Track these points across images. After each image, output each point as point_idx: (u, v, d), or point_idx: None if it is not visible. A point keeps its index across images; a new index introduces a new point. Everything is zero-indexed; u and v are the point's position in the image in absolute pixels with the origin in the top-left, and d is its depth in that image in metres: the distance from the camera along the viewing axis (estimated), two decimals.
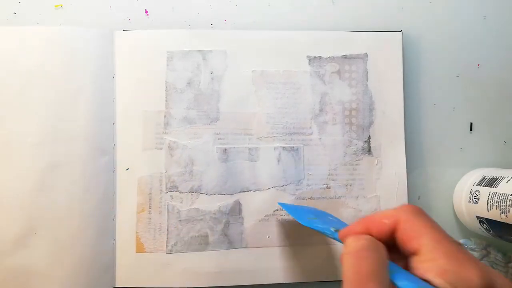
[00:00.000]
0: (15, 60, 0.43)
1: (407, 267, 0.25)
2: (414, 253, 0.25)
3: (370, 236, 0.26)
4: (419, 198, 0.47)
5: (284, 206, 0.44)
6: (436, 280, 0.23)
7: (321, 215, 0.40)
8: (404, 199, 0.46)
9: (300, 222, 0.38)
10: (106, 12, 0.46)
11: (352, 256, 0.25)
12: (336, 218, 0.40)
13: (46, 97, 0.43)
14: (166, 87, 0.45)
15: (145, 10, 0.47)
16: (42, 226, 0.42)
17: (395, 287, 0.24)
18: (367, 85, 0.46)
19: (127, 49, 0.45)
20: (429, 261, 0.24)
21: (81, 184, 0.43)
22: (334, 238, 0.32)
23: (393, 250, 0.26)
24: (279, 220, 0.45)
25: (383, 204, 0.46)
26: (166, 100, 0.44)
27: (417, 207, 0.27)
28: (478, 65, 0.49)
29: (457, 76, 0.49)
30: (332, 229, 0.32)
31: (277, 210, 0.45)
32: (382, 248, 0.25)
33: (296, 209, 0.43)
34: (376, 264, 0.24)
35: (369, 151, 0.46)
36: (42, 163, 0.42)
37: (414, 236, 0.25)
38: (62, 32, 0.44)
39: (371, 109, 0.46)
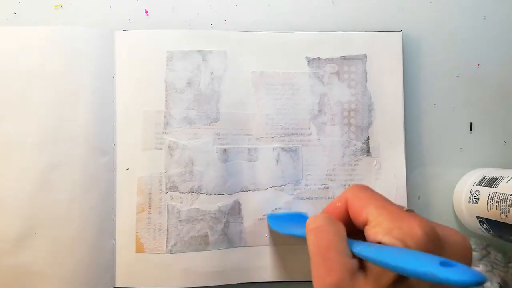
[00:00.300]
0: (15, 60, 0.43)
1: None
2: (364, 224, 0.28)
3: (326, 214, 0.30)
4: (419, 198, 0.48)
5: (270, 218, 0.45)
6: (384, 239, 0.25)
7: (302, 219, 0.40)
8: (403, 200, 0.46)
9: (281, 232, 0.41)
10: (106, 12, 0.47)
11: (312, 233, 0.28)
12: None
13: (46, 97, 0.43)
14: (166, 87, 0.45)
15: (145, 10, 0.47)
16: (42, 226, 0.42)
17: (358, 259, 0.26)
18: (366, 86, 0.46)
19: (127, 49, 0.45)
20: (376, 226, 0.26)
21: (81, 184, 0.43)
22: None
23: (356, 231, 0.29)
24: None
25: None
26: (166, 100, 0.45)
27: (362, 184, 0.31)
28: (478, 65, 0.49)
29: (457, 76, 0.49)
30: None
31: (275, 209, 0.45)
32: (338, 223, 0.29)
33: (280, 218, 0.44)
34: (333, 236, 0.28)
35: (368, 151, 0.46)
36: (42, 163, 0.42)
37: (360, 208, 0.28)
38: (62, 32, 0.44)
39: (370, 110, 0.46)
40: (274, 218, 0.44)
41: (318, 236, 0.28)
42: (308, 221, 0.29)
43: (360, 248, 0.26)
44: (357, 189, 0.30)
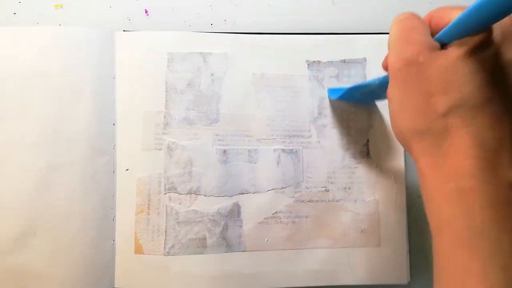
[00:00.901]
0: (15, 60, 0.44)
1: None
2: (448, 23, 0.29)
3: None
4: (419, 197, 0.48)
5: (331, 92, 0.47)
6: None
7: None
8: (403, 203, 0.47)
9: (347, 89, 0.43)
10: (106, 12, 0.47)
11: (398, 23, 0.31)
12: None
13: (46, 97, 0.44)
14: (166, 88, 0.45)
15: (145, 10, 0.47)
16: (41, 226, 0.43)
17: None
18: None
19: (128, 50, 0.46)
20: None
21: (81, 185, 0.44)
22: (380, 81, 0.37)
23: None
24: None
25: (382, 208, 0.46)
26: (166, 101, 0.45)
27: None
28: None
29: None
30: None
31: (276, 212, 0.45)
32: (423, 20, 0.31)
33: (344, 92, 0.44)
34: (418, 22, 0.30)
35: (367, 154, 0.47)
36: (42, 164, 0.43)
37: (447, 11, 0.30)
38: (62, 32, 0.45)
39: (370, 113, 0.47)
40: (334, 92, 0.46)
41: (404, 23, 0.30)
42: (396, 16, 0.32)
43: (441, 32, 0.28)
44: (443, 7, 0.31)
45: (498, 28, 0.27)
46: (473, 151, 0.26)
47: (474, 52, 0.26)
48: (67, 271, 0.43)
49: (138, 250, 0.44)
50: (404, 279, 0.46)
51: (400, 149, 0.47)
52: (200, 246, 0.45)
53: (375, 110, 0.47)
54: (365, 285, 0.46)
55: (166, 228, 0.45)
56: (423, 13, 0.50)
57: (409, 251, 0.46)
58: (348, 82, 0.47)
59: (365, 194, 0.46)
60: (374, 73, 0.47)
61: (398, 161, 0.47)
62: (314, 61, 0.47)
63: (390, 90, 0.30)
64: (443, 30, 0.28)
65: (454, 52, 0.27)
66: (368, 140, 0.47)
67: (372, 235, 0.46)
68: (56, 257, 0.43)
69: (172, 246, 0.44)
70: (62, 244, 0.43)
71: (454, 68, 0.26)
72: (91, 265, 0.43)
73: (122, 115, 0.45)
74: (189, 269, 0.44)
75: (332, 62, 0.47)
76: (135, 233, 0.44)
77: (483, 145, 0.26)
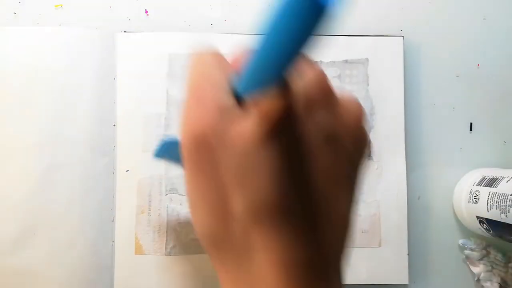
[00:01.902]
0: (15, 61, 0.44)
1: None
2: None
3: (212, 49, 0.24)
4: (419, 198, 0.49)
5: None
6: None
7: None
8: (404, 204, 0.47)
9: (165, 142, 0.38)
10: (106, 12, 0.47)
11: (195, 64, 0.23)
12: None
13: (46, 98, 0.44)
14: (167, 89, 0.46)
15: (145, 10, 0.48)
16: (41, 227, 0.43)
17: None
18: (367, 90, 0.47)
19: (129, 51, 0.46)
20: None
21: (81, 186, 0.44)
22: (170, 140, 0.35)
23: None
24: None
25: (383, 209, 0.47)
26: (166, 103, 0.45)
27: None
28: (478, 65, 0.50)
29: (457, 76, 0.50)
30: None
31: None
32: (222, 59, 0.23)
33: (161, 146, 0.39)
34: (215, 67, 0.22)
35: (369, 155, 0.47)
36: (42, 164, 0.43)
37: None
38: (62, 32, 0.45)
39: (371, 114, 0.47)
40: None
41: (199, 68, 0.23)
42: (194, 52, 0.24)
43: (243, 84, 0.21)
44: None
45: (301, 89, 0.20)
46: (278, 270, 0.20)
47: (276, 126, 0.19)
48: (66, 272, 0.43)
49: (139, 250, 0.44)
50: (404, 279, 0.46)
51: (401, 151, 0.47)
52: (201, 246, 0.45)
53: (376, 111, 0.47)
54: (365, 285, 0.46)
55: (167, 228, 0.45)
56: (422, 13, 0.51)
57: (409, 252, 0.47)
58: (350, 82, 0.47)
59: (366, 196, 0.47)
60: (376, 73, 0.47)
61: (400, 162, 0.47)
62: (316, 61, 0.47)
63: (185, 174, 0.22)
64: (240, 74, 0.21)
65: (250, 124, 0.19)
66: (369, 141, 0.47)
67: (373, 236, 0.46)
68: (55, 258, 0.43)
69: (174, 246, 0.45)
70: (61, 245, 0.43)
71: (252, 155, 0.19)
72: (90, 266, 0.43)
73: (122, 116, 0.45)
74: (190, 268, 0.45)
75: (334, 62, 0.47)
76: (135, 234, 0.44)
77: (288, 262, 0.20)
